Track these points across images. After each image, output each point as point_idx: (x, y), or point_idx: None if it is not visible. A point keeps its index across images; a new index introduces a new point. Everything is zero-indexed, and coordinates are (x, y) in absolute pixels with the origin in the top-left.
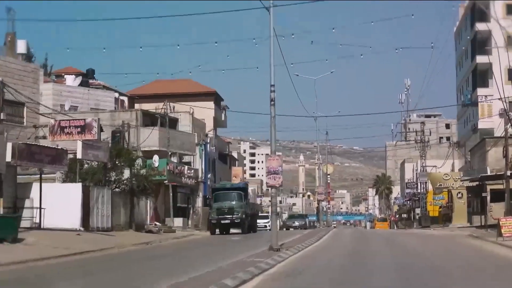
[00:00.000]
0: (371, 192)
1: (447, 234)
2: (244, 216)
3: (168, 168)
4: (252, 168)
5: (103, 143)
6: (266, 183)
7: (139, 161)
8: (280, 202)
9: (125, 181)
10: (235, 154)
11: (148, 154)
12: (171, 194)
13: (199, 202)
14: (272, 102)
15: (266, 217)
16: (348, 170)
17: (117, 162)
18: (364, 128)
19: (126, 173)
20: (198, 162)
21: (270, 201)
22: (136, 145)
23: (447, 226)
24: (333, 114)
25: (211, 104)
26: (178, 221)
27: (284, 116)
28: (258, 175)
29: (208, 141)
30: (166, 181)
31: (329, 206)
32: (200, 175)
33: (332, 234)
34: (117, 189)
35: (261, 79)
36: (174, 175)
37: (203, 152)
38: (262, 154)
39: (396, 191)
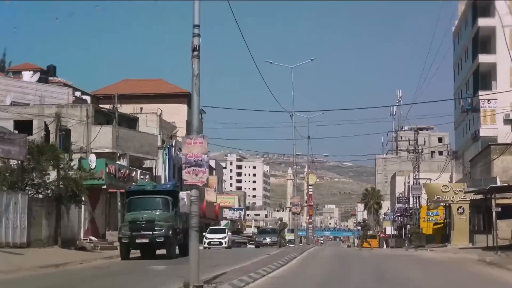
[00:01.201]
0: (360, 207)
1: (452, 258)
2: (171, 232)
3: (107, 170)
4: (239, 181)
5: (17, 136)
6: (184, 180)
7: (74, 162)
8: (266, 216)
9: (49, 185)
10: (212, 163)
11: (101, 157)
12: (119, 203)
13: None
14: (196, 52)
15: (221, 231)
16: (338, 185)
17: (40, 162)
18: (354, 132)
19: (53, 176)
20: (161, 167)
21: (191, 209)
22: (85, 146)
23: (445, 246)
24: (309, 110)
25: (184, 107)
26: None
27: (257, 112)
28: (245, 188)
29: (174, 144)
30: (105, 186)
31: (310, 220)
32: (163, 182)
33: (306, 256)
34: (39, 195)
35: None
36: (116, 180)
37: (167, 156)
38: (249, 167)
39: (386, 206)
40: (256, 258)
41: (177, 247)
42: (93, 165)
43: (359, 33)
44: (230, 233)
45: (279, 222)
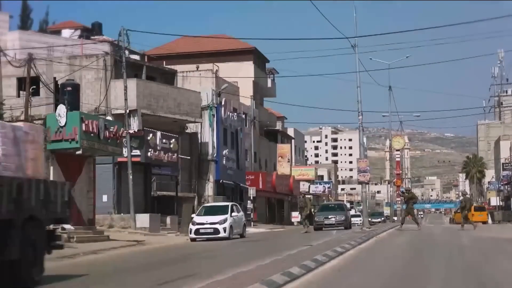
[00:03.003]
0: (461, 177)
1: None
2: None
3: (83, 128)
4: (334, 154)
5: None
6: None
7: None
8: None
9: None
10: (291, 131)
11: (121, 118)
12: (130, 176)
13: (208, 189)
14: None
15: (221, 211)
16: (439, 157)
17: None
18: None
19: None
20: (208, 132)
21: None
22: (101, 105)
23: None
24: (372, 34)
25: (249, 65)
26: (144, 220)
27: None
28: (341, 162)
29: (223, 103)
30: (80, 151)
31: (398, 192)
32: (210, 151)
33: (365, 248)
34: None
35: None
36: (102, 142)
37: (214, 118)
38: (345, 139)
39: (489, 174)
40: (274, 257)
41: None
42: (62, 122)
43: None
44: (240, 213)
45: (302, 197)
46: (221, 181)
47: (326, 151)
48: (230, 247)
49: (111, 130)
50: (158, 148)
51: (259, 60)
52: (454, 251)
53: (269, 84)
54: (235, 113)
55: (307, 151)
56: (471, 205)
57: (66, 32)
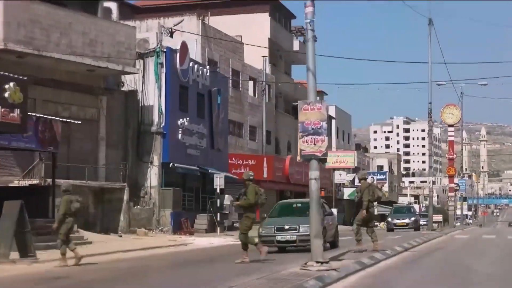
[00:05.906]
0: None
1: None
2: None
3: None
4: (406, 146)
5: None
6: None
7: None
8: (434, 182)
9: None
10: (332, 110)
11: None
12: None
13: (151, 177)
14: None
15: None
16: None
17: None
18: None
19: None
20: (153, 88)
21: None
22: None
23: None
24: None
25: (264, 18)
26: None
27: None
28: (413, 153)
29: (178, 49)
30: None
31: (453, 185)
32: (156, 119)
33: None
34: None
35: None
36: None
37: (163, 69)
38: (417, 130)
39: None
40: None
41: None
42: None
43: None
44: None
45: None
46: (171, 164)
47: (398, 142)
48: None
49: None
50: None
51: (280, 14)
52: None
53: (296, 47)
54: (207, 67)
55: (355, 136)
56: (376, 199)
57: None
